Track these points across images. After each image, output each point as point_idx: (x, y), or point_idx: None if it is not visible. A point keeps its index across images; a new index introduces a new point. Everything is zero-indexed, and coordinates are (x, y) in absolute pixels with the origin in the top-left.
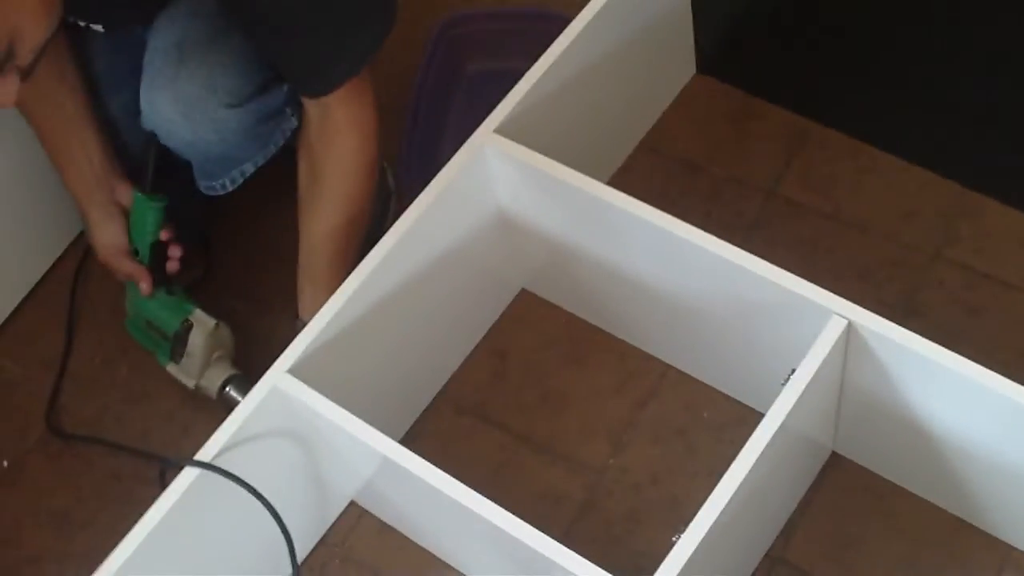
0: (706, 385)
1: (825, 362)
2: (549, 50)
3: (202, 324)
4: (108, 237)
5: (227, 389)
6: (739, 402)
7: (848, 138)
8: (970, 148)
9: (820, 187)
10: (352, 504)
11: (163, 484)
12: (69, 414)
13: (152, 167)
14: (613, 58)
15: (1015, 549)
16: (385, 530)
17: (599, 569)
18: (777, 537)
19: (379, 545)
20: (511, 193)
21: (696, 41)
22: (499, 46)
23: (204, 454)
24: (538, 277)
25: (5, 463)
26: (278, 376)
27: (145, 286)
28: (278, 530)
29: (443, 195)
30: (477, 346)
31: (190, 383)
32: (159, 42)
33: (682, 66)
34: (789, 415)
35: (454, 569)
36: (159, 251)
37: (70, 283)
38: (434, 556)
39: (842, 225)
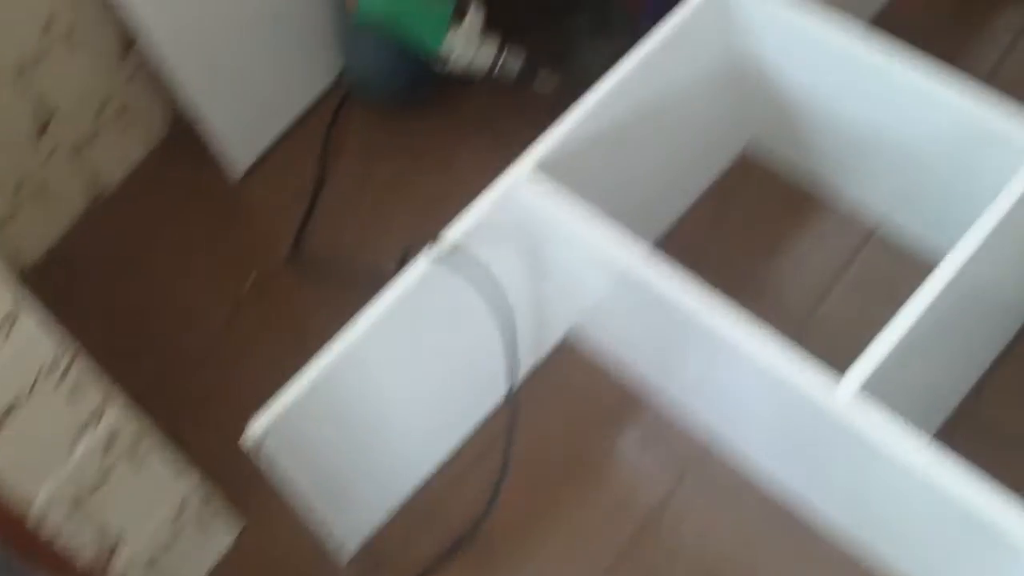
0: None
1: None
2: None
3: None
4: None
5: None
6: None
7: None
8: None
9: None
10: (564, 340)
11: (399, 268)
12: (315, 240)
13: None
14: None
15: None
16: (595, 365)
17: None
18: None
19: (589, 377)
20: (756, 39)
21: None
22: None
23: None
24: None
25: (255, 273)
26: (524, 171)
27: None
28: (494, 344)
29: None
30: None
31: (469, 52)
32: None
33: None
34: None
35: (659, 403)
36: None
37: (327, 121)
38: (639, 392)
39: None
